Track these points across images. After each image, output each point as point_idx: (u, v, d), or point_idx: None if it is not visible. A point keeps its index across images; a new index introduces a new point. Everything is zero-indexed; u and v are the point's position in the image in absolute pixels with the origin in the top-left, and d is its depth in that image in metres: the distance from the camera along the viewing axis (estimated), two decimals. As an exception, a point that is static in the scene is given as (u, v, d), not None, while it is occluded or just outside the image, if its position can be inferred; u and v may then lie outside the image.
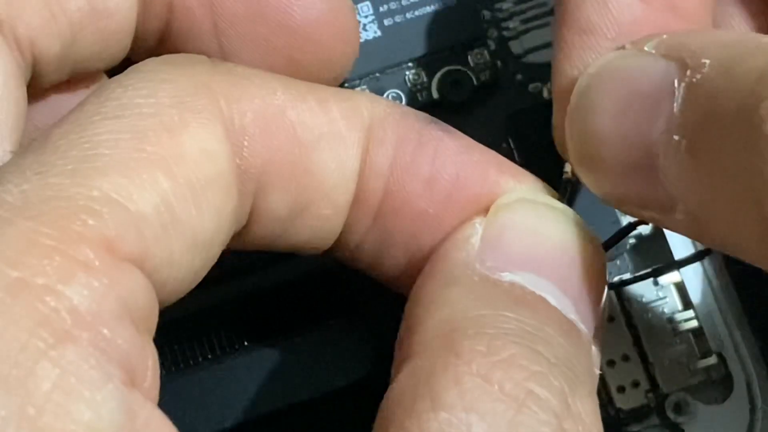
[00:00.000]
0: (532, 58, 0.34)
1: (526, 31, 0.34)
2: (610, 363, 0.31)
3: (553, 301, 0.24)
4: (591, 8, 0.26)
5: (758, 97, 0.21)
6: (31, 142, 0.22)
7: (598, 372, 0.25)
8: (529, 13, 0.34)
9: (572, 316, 0.24)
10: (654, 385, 0.31)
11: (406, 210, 0.25)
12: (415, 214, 0.25)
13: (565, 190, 0.27)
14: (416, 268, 0.26)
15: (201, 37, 0.27)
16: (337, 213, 0.25)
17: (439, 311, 0.23)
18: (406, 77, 0.33)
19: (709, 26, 0.27)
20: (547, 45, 0.34)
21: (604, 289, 0.25)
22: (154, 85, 0.23)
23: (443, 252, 0.25)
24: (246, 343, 0.30)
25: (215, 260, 0.23)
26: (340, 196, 0.25)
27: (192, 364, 0.30)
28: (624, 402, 0.31)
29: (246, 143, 0.24)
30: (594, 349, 0.25)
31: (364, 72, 0.32)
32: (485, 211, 0.25)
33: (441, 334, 0.23)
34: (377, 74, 0.33)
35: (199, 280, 0.23)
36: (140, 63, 0.24)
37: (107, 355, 0.20)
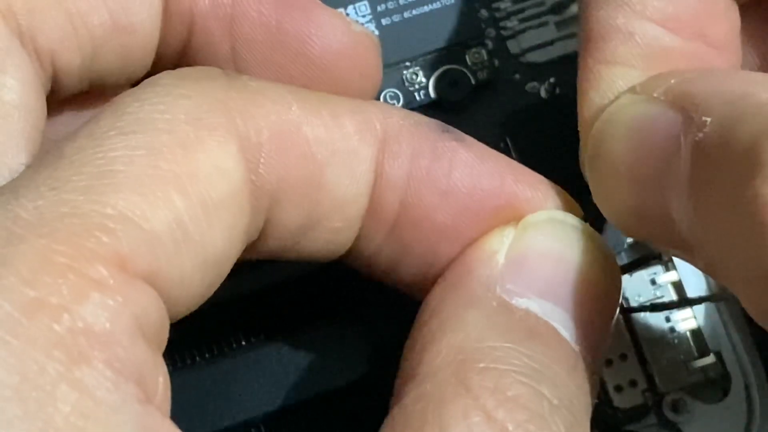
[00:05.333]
0: (529, 57, 0.34)
1: (524, 30, 0.34)
2: (608, 362, 0.31)
3: (563, 332, 0.24)
4: (617, 40, 0.26)
5: (751, 166, 0.21)
6: (44, 155, 0.22)
7: (595, 400, 0.25)
8: (527, 13, 0.34)
9: (579, 346, 0.24)
10: (652, 384, 0.31)
11: (423, 222, 0.25)
12: (432, 226, 0.25)
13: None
14: (432, 277, 0.26)
15: (218, 59, 0.27)
16: (350, 226, 0.25)
17: (453, 334, 0.23)
18: (404, 76, 0.33)
19: (738, 51, 0.27)
20: (545, 44, 0.34)
21: (614, 316, 0.26)
22: (171, 100, 0.23)
23: (468, 264, 0.25)
24: (243, 343, 0.30)
25: (226, 275, 0.23)
26: (353, 210, 0.25)
27: (189, 363, 0.30)
28: (621, 401, 0.31)
29: (262, 160, 0.23)
30: (594, 378, 0.25)
31: (361, 71, 0.32)
32: (506, 220, 0.26)
33: (452, 362, 0.23)
34: (375, 74, 0.33)
35: (209, 295, 0.23)
36: (156, 76, 0.24)
37: (123, 375, 0.20)
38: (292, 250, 0.25)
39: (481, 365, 0.23)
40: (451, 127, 0.26)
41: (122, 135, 0.22)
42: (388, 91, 0.33)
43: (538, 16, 0.34)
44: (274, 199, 0.24)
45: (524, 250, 0.25)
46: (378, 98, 0.32)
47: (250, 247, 0.24)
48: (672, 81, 0.25)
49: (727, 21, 0.27)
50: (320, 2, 0.27)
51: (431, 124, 0.26)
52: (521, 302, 0.24)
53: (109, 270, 0.20)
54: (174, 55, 0.27)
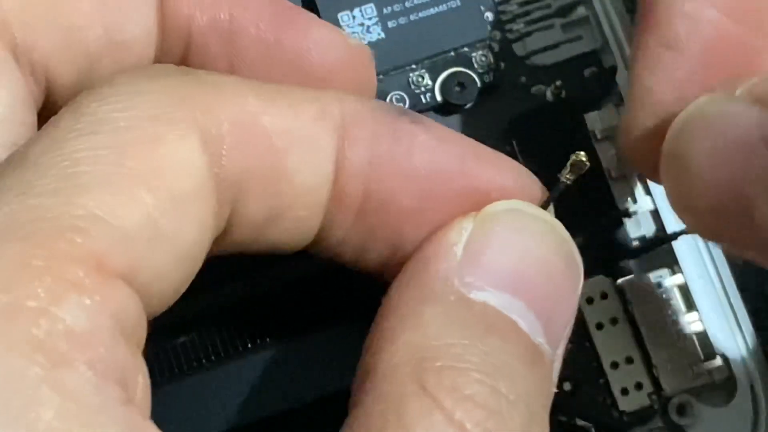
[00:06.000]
0: (535, 60, 0.34)
1: (530, 33, 0.34)
2: (614, 365, 0.32)
3: (523, 325, 0.24)
4: (681, 24, 0.26)
5: None
6: (8, 161, 0.22)
7: (554, 390, 0.25)
8: (533, 15, 0.34)
9: (539, 339, 0.24)
10: (657, 387, 0.31)
11: (388, 206, 0.25)
12: (396, 210, 0.25)
13: (557, 191, 0.27)
14: (400, 260, 0.26)
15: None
16: (314, 214, 0.25)
17: (411, 331, 0.23)
18: (410, 79, 0.33)
19: None
20: (551, 47, 0.34)
21: (575, 309, 0.26)
22: (129, 98, 0.23)
23: (426, 257, 0.25)
24: (239, 348, 0.30)
25: (198, 269, 0.23)
26: (317, 198, 0.25)
27: (186, 368, 0.30)
28: (627, 404, 0.31)
29: (224, 152, 0.23)
30: (555, 367, 0.25)
31: (367, 74, 0.32)
32: (470, 201, 0.25)
33: (410, 361, 0.23)
34: (381, 76, 0.33)
35: (184, 290, 0.23)
36: (112, 76, 0.24)
37: (104, 376, 0.20)
38: (258, 241, 0.25)
39: (438, 364, 0.23)
40: (408, 110, 0.26)
41: (84, 136, 0.22)
42: (394, 94, 0.33)
43: (544, 18, 0.34)
44: (239, 191, 0.24)
45: (483, 242, 0.25)
46: (384, 101, 0.32)
47: (218, 241, 0.24)
48: (755, 80, 0.25)
49: None
50: (316, 17, 0.28)
51: (388, 108, 0.26)
52: (480, 295, 0.24)
53: (85, 270, 0.20)
54: None
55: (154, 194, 0.22)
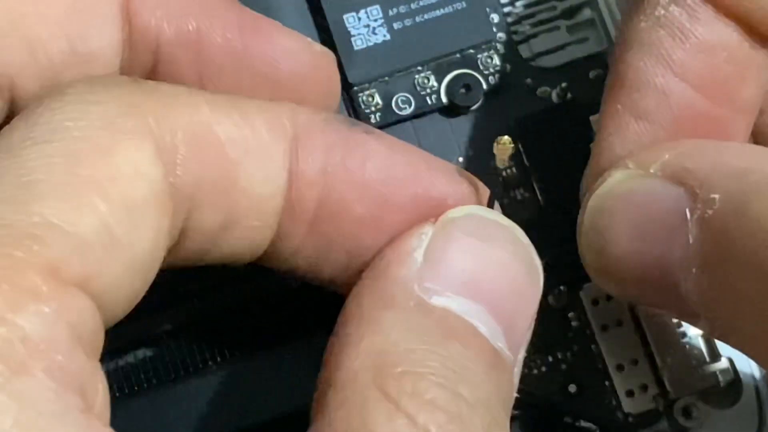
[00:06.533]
0: (541, 61, 0.34)
1: (536, 34, 0.34)
2: (619, 367, 0.32)
3: (482, 329, 0.24)
4: (652, 96, 0.27)
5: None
6: None
7: (515, 395, 0.25)
8: (539, 17, 0.34)
9: (499, 343, 0.25)
10: (663, 389, 0.31)
11: (342, 216, 0.25)
12: (351, 219, 0.25)
13: (498, 184, 0.27)
14: (357, 270, 0.26)
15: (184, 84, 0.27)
16: (267, 224, 0.25)
17: (371, 337, 0.24)
18: (416, 81, 0.33)
19: (756, 110, 0.28)
20: (557, 49, 0.34)
21: (535, 313, 0.26)
22: (83, 107, 0.23)
23: (386, 263, 0.25)
24: (200, 366, 0.30)
25: (153, 278, 0.23)
26: (269, 208, 0.25)
27: (146, 385, 0.29)
28: (632, 406, 0.31)
29: (179, 161, 0.23)
30: (516, 372, 0.25)
31: (372, 76, 0.32)
32: (424, 208, 0.26)
33: (371, 367, 0.23)
34: (386, 78, 0.33)
35: (139, 299, 0.23)
36: (64, 85, 0.24)
37: (63, 384, 0.20)
38: (211, 252, 0.25)
39: (399, 369, 0.23)
40: (359, 122, 0.27)
41: (38, 145, 0.22)
42: (400, 96, 0.33)
43: (550, 20, 0.34)
44: (192, 200, 0.24)
45: (443, 247, 0.25)
46: (389, 102, 0.32)
47: (171, 251, 0.24)
48: (666, 156, 0.26)
49: (757, 85, 0.28)
50: (281, 25, 0.28)
51: (340, 119, 0.26)
52: (440, 301, 0.24)
53: (42, 278, 0.20)
54: None
55: (108, 202, 0.22)
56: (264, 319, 0.30)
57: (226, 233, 0.25)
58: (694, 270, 0.25)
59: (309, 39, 0.28)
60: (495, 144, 0.26)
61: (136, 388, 0.29)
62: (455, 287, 0.24)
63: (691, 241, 0.24)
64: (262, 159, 0.25)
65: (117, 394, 0.29)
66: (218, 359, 0.30)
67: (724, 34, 0.27)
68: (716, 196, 0.24)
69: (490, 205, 0.27)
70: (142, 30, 0.26)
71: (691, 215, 0.24)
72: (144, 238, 0.22)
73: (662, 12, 0.27)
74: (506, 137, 0.26)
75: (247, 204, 0.25)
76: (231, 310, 0.30)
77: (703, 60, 0.27)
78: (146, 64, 0.27)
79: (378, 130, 0.27)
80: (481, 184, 0.27)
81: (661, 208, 0.25)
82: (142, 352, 0.30)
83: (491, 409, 0.24)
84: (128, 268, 0.22)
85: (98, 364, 0.21)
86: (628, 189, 0.26)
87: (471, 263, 0.25)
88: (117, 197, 0.22)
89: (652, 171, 0.26)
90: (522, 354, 0.26)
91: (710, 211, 0.24)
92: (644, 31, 0.27)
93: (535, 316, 0.26)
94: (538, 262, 0.26)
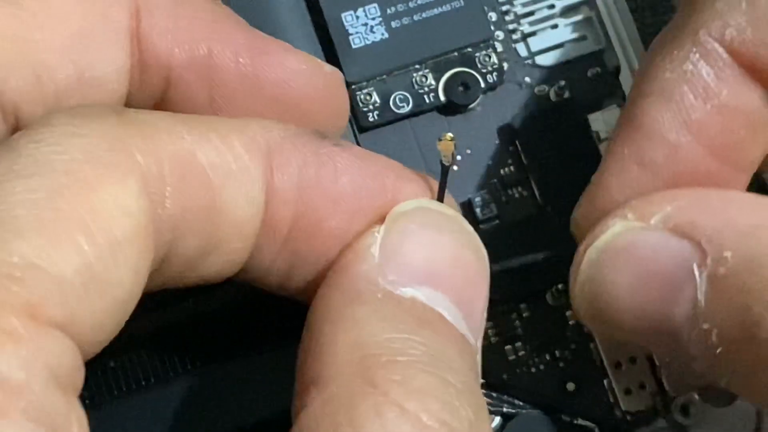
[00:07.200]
0: (539, 60, 0.34)
1: (534, 33, 0.34)
2: (617, 365, 0.32)
3: (448, 317, 0.25)
4: (660, 149, 0.27)
5: None
6: None
7: (481, 380, 0.26)
8: (537, 16, 0.34)
9: (464, 330, 0.25)
10: (661, 387, 0.31)
11: (316, 230, 0.26)
12: (325, 232, 0.26)
13: (445, 178, 0.27)
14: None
15: (196, 108, 0.27)
16: (246, 245, 0.25)
17: (347, 333, 0.23)
18: (414, 79, 0.33)
19: (755, 167, 0.28)
20: (555, 47, 0.34)
21: (487, 299, 0.26)
22: (67, 140, 0.22)
23: (345, 263, 0.25)
24: (173, 373, 0.30)
25: (132, 311, 0.23)
26: (250, 229, 0.25)
27: (116, 393, 0.29)
28: (631, 404, 0.31)
29: (167, 193, 0.23)
30: (477, 359, 0.25)
31: (370, 74, 0.32)
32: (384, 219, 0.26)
33: (353, 360, 0.23)
34: (384, 76, 0.33)
35: (118, 331, 0.23)
36: (48, 116, 0.23)
37: (40, 425, 0.19)
38: (188, 276, 0.25)
39: (384, 359, 0.23)
40: (327, 134, 0.26)
41: (21, 178, 0.21)
42: (398, 94, 0.33)
43: (548, 18, 0.34)
44: (176, 230, 0.24)
45: (397, 240, 0.25)
46: (387, 101, 0.32)
47: (150, 277, 0.24)
48: (668, 208, 0.26)
49: (761, 145, 0.27)
50: (290, 46, 0.28)
51: (311, 133, 0.26)
52: (407, 291, 0.24)
53: (20, 320, 0.20)
54: (150, 105, 0.27)
55: (91, 240, 0.21)
56: (237, 326, 0.30)
57: (206, 257, 0.25)
58: (699, 322, 0.24)
59: (318, 60, 0.28)
60: (438, 140, 0.26)
61: (108, 396, 0.29)
62: (417, 278, 0.25)
63: (700, 297, 0.24)
64: (243, 181, 0.25)
65: (87, 402, 0.29)
66: (188, 366, 0.30)
67: (747, 98, 0.27)
68: (728, 254, 0.24)
69: (441, 198, 0.27)
70: (154, 54, 0.26)
71: (700, 271, 0.24)
72: (125, 275, 0.22)
73: (690, 68, 0.27)
74: (449, 134, 0.26)
75: (228, 228, 0.25)
76: (202, 317, 0.30)
77: (720, 123, 0.27)
78: (157, 89, 0.27)
79: (346, 141, 0.27)
80: (432, 180, 0.27)
81: (665, 262, 0.25)
82: (115, 360, 0.30)
83: (475, 395, 0.24)
84: (109, 306, 0.22)
85: (76, 402, 0.21)
86: (630, 242, 0.26)
87: (428, 253, 0.25)
88: (100, 235, 0.21)
89: (653, 223, 0.26)
90: (480, 342, 0.26)
91: (723, 269, 0.24)
92: (668, 82, 0.27)
93: (487, 302, 0.26)
94: (484, 250, 0.26)
